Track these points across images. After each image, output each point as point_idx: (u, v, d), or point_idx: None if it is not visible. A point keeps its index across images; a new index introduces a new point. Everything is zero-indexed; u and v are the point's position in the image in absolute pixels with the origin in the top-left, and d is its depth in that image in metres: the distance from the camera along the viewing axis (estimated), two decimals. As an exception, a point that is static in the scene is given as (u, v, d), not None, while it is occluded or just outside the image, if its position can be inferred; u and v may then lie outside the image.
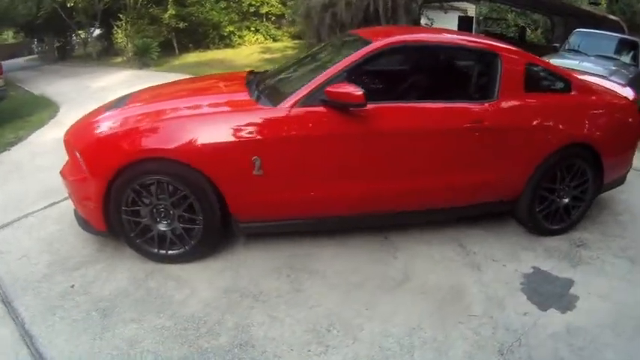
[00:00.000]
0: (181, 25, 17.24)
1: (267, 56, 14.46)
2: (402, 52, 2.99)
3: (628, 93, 3.48)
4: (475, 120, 2.74)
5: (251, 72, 3.50)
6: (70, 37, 20.94)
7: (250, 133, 2.43)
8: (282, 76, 3.06)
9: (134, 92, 3.29)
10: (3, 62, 20.47)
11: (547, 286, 2.63)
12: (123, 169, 2.44)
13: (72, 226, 2.92)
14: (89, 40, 18.94)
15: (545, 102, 2.99)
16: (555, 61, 6.35)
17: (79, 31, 18.71)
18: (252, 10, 18.80)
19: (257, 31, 19.60)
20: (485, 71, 2.95)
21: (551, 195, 3.10)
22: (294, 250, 2.82)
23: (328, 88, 2.40)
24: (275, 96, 2.58)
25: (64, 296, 2.44)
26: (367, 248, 2.87)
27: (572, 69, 5.68)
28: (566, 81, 3.12)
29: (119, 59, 16.76)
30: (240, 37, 19.19)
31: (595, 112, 3.19)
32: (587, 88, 3.23)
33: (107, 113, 2.81)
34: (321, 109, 2.46)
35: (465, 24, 12.29)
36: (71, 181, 2.68)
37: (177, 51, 17.17)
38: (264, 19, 18.97)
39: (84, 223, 2.76)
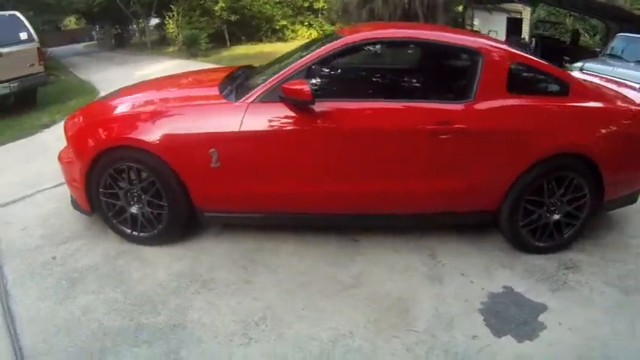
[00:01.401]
0: (233, 17, 17.96)
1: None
2: (372, 48, 2.95)
3: None
4: (442, 121, 2.62)
5: (243, 67, 3.69)
6: (127, 26, 22.35)
7: (209, 126, 2.61)
8: (259, 71, 3.19)
9: (127, 85, 3.61)
10: (63, 47, 22.31)
11: (513, 309, 2.46)
12: (101, 154, 2.76)
13: (69, 205, 3.30)
14: (144, 29, 20.14)
15: (532, 105, 2.79)
16: (588, 66, 6.12)
17: (136, 20, 19.92)
18: (306, 4, 19.21)
19: (310, 25, 20.05)
20: (464, 70, 2.83)
21: (537, 209, 2.89)
22: (258, 244, 2.97)
23: (284, 85, 2.49)
24: (241, 91, 2.74)
25: (44, 265, 2.83)
26: (329, 249, 2.91)
27: (602, 75, 5.41)
28: (562, 83, 2.88)
29: (171, 49, 17.80)
30: (293, 31, 19.73)
31: (596, 119, 2.90)
32: (590, 93, 2.96)
33: (97, 104, 3.15)
34: (278, 105, 2.55)
35: (513, 26, 11.94)
36: (63, 164, 3.05)
37: (228, 42, 17.91)
38: (320, 15, 19.33)
39: (74, 203, 3.12)
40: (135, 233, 2.95)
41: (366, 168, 2.65)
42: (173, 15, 17.44)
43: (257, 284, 2.57)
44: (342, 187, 2.68)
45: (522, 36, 11.52)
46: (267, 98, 2.58)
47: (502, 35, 12.10)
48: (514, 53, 2.86)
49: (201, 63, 12.63)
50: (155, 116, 2.73)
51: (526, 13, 12.85)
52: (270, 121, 2.57)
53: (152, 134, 2.66)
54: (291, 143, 2.60)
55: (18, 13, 6.92)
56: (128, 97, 3.14)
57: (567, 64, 7.30)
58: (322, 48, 2.66)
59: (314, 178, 2.66)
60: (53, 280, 2.67)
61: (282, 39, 19.14)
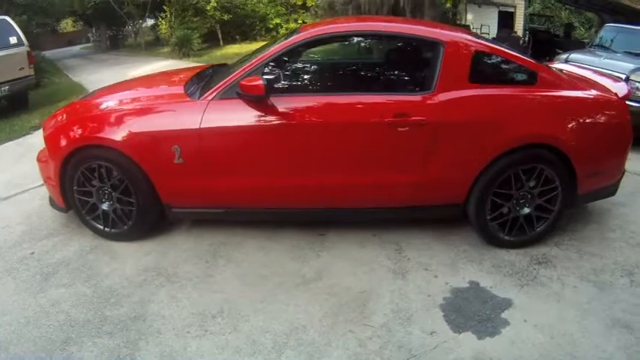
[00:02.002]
0: (226, 17, 18.07)
1: (332, 48, 14.89)
2: (329, 43, 2.97)
3: (620, 89, 3.04)
4: (399, 114, 2.63)
5: (215, 65, 3.79)
6: (122, 28, 22.53)
7: (172, 124, 2.73)
8: (227, 69, 3.26)
9: (103, 87, 3.74)
10: (59, 50, 22.56)
11: (476, 305, 2.44)
12: (72, 153, 2.89)
13: (51, 203, 3.43)
14: (139, 30, 20.30)
15: (495, 95, 2.76)
16: (573, 57, 6.10)
17: (130, 22, 20.09)
18: (299, 2, 19.30)
19: (304, 23, 20.09)
20: (424, 61, 2.83)
21: (505, 202, 2.85)
22: (225, 238, 3.07)
23: (240, 82, 2.57)
24: (203, 89, 2.83)
25: (22, 260, 2.97)
26: (294, 244, 2.99)
27: (587, 66, 5.45)
28: (530, 72, 2.84)
29: (165, 49, 17.92)
30: (287, 29, 19.75)
31: (566, 109, 2.84)
32: (561, 82, 2.89)
33: (73, 105, 3.29)
34: (237, 101, 2.64)
35: (505, 20, 12.01)
36: (41, 163, 3.18)
37: (221, 42, 18.02)
38: (314, 13, 19.40)
39: (51, 201, 3.25)
40: (107, 229, 3.08)
41: (324, 162, 2.71)
42: (166, 16, 17.59)
43: (219, 278, 2.67)
44: (301, 181, 2.75)
45: (514, 29, 11.59)
46: (226, 95, 2.67)
47: (494, 29, 12.17)
48: (477, 43, 2.86)
49: (194, 62, 12.77)
50: (123, 115, 2.86)
51: (520, 7, 12.90)
52: (228, 117, 2.66)
53: (119, 133, 2.78)
54: (249, 139, 2.68)
55: (8, 18, 7.10)
56: (101, 97, 3.27)
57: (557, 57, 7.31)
58: (280, 44, 2.75)
59: (272, 172, 2.74)
60: (29, 275, 2.81)
61: (276, 37, 19.23)
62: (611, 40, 6.79)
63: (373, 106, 2.70)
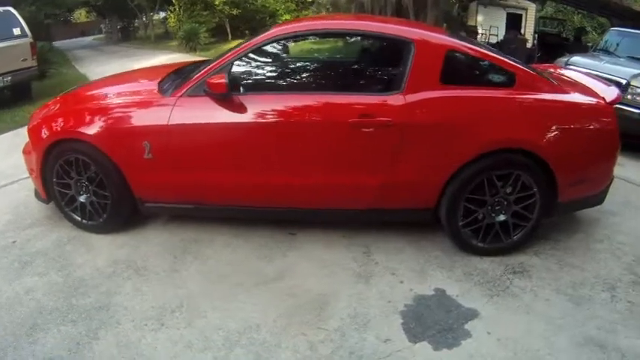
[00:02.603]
0: (235, 11, 18.21)
1: (316, 46, 14.93)
2: (296, 41, 2.96)
3: (609, 93, 2.96)
4: (364, 114, 2.63)
5: (197, 62, 3.87)
6: (133, 20, 22.83)
7: (142, 120, 2.83)
8: (201, 65, 3.32)
9: (86, 82, 3.88)
10: (72, 40, 22.95)
11: (439, 314, 2.40)
12: (52, 146, 3.03)
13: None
14: (149, 23, 20.56)
15: (467, 97, 2.71)
16: (573, 61, 5.81)
17: (140, 14, 20.36)
18: (309, -1, 19.37)
19: (314, 20, 20.16)
20: (394, 60, 2.79)
21: (479, 208, 2.81)
22: (197, 235, 3.17)
23: (207, 79, 2.64)
24: (175, 86, 2.92)
25: (4, 249, 3.13)
26: (262, 243, 3.05)
27: (585, 70, 5.08)
28: (507, 74, 2.77)
29: (173, 43, 18.12)
30: (296, 25, 19.82)
31: (546, 113, 2.76)
32: (542, 85, 2.80)
33: (56, 99, 3.43)
34: (204, 99, 2.71)
35: (513, 22, 11.97)
36: (25, 155, 3.33)
37: (230, 37, 18.18)
38: (317, 10, 19.45)
39: (36, 192, 3.39)
40: (84, 221, 3.21)
41: (288, 161, 2.76)
42: (174, 9, 17.81)
43: (184, 274, 2.77)
44: (265, 179, 2.81)
45: (522, 32, 11.55)
46: (194, 92, 2.76)
47: (503, 31, 12.13)
48: (451, 43, 2.81)
49: (199, 56, 12.93)
50: (98, 110, 2.98)
51: (531, 10, 12.85)
52: (195, 114, 2.75)
53: (94, 127, 2.90)
54: (214, 136, 2.77)
55: (12, 9, 7.30)
56: (81, 92, 3.40)
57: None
58: (247, 43, 2.82)
59: (238, 170, 2.81)
60: (7, 262, 2.96)
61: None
62: (616, 45, 6.73)
63: (339, 105, 2.71)
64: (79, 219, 3.22)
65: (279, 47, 2.85)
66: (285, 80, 2.93)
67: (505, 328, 2.32)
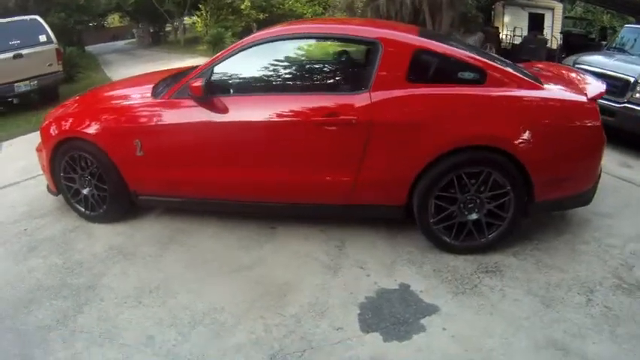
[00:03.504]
0: (262, 16, 18.74)
1: (340, 48, 15.22)
2: (274, 45, 3.09)
3: (593, 88, 2.96)
4: (330, 113, 2.79)
5: (192, 67, 4.20)
6: (164, 24, 23.74)
7: (134, 120, 3.19)
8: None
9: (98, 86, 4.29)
10: (105, 44, 24.06)
11: (398, 307, 2.51)
12: (58, 144, 3.44)
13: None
14: (178, 27, 21.37)
15: (434, 95, 2.79)
16: (582, 60, 5.78)
17: (170, 19, 21.21)
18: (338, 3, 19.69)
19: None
20: (361, 61, 2.95)
21: (450, 206, 2.87)
22: (186, 225, 3.49)
23: (189, 82, 2.94)
24: (166, 89, 3.24)
25: (16, 235, 3.57)
26: (245, 235, 3.31)
27: (591, 68, 5.23)
28: (478, 71, 2.81)
29: (201, 47, 18.79)
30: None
31: (518, 109, 2.79)
32: (515, 81, 2.81)
33: (68, 101, 3.86)
34: (188, 101, 3.01)
35: (535, 22, 11.92)
36: (38, 153, 3.76)
37: (257, 41, 18.64)
38: (332, 14, 19.74)
39: (47, 186, 3.81)
40: (87, 212, 3.61)
41: (262, 158, 3.00)
42: (201, 14, 18.49)
43: (168, 259, 3.08)
44: (242, 175, 3.06)
45: (545, 32, 11.50)
46: (180, 95, 3.06)
47: (526, 32, 12.11)
48: (419, 42, 2.90)
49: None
50: (98, 112, 3.40)
51: (558, 10, 12.77)
52: (178, 115, 3.07)
53: (94, 127, 3.30)
54: (195, 135, 3.07)
55: (38, 17, 7.95)
56: (87, 96, 3.82)
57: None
58: (226, 49, 3.13)
59: (217, 166, 3.09)
60: (18, 247, 3.39)
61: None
62: (632, 42, 6.60)
63: (308, 105, 2.88)
64: (83, 210, 3.62)
65: (257, 52, 3.06)
66: (260, 82, 3.16)
67: (463, 326, 2.37)
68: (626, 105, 5.02)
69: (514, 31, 12.50)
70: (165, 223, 3.57)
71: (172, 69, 4.59)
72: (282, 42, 3.08)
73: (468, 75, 2.85)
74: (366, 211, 3.11)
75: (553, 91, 2.91)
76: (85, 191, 3.55)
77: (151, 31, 25.14)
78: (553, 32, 12.13)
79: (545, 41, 10.61)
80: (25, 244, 3.43)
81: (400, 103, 2.78)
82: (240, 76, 3.14)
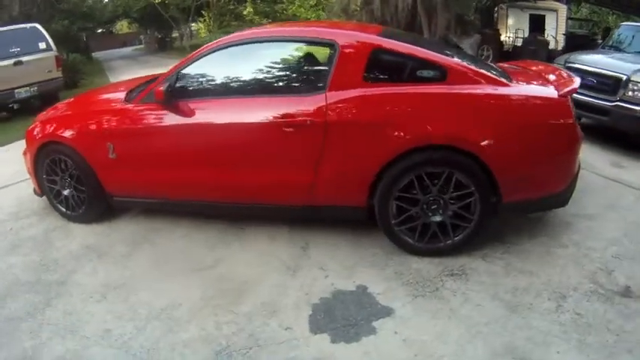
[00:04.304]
0: (265, 21, 19.03)
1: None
2: (236, 49, 3.20)
3: (565, 85, 2.87)
4: (286, 114, 2.87)
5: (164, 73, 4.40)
6: (170, 30, 24.22)
7: (107, 124, 3.40)
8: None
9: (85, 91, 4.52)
10: (114, 50, 24.73)
11: (351, 309, 2.53)
12: (40, 147, 3.67)
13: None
14: (183, 33, 21.79)
15: (390, 94, 2.80)
16: (573, 58, 5.81)
17: (175, 25, 21.65)
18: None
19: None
20: (319, 62, 3.02)
21: (412, 207, 2.88)
22: (160, 225, 3.68)
23: (154, 87, 3.13)
24: (138, 93, 3.43)
25: (2, 234, 3.84)
26: (214, 234, 3.45)
27: (580, 67, 5.31)
28: (438, 69, 2.82)
29: (206, 52, 19.04)
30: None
31: (480, 107, 2.76)
32: (478, 78, 2.78)
33: (59, 104, 4.08)
34: (154, 105, 3.18)
35: (536, 24, 11.97)
36: (24, 156, 3.99)
37: (260, 46, 18.93)
38: (337, 16, 19.93)
39: (34, 189, 4.02)
40: (68, 212, 3.82)
41: (224, 159, 3.14)
42: (204, 20, 18.85)
43: (137, 258, 3.27)
44: (205, 176, 3.20)
45: (547, 33, 11.57)
46: (148, 100, 3.25)
47: (527, 33, 12.17)
48: (377, 41, 2.94)
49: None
50: (76, 116, 3.65)
51: (562, 12, 12.84)
52: (146, 119, 3.27)
53: (71, 131, 3.53)
54: (161, 138, 3.26)
55: (38, 25, 8.29)
56: (73, 100, 4.03)
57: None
58: (191, 54, 3.30)
59: (181, 168, 3.25)
60: (2, 245, 3.64)
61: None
62: (628, 40, 6.53)
63: (265, 107, 2.99)
64: (64, 210, 3.85)
65: (220, 56, 3.20)
66: (222, 86, 3.27)
67: (416, 330, 2.36)
68: (618, 103, 5.01)
69: (516, 32, 12.56)
70: (141, 222, 3.77)
71: (153, 74, 4.77)
72: (243, 46, 3.21)
73: (427, 73, 2.86)
74: (327, 213, 3.18)
75: (520, 87, 2.86)
76: (65, 192, 3.77)
77: (158, 37, 25.66)
78: (557, 34, 12.19)
79: (546, 42, 10.66)
80: (9, 242, 3.67)
81: (355, 103, 2.82)
82: (203, 81, 3.29)
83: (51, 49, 8.38)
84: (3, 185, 4.93)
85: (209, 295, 2.77)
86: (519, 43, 12.17)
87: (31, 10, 11.80)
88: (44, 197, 4.00)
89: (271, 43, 3.25)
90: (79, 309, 2.75)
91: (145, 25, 27.64)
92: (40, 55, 8.20)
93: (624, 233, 3.25)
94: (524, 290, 2.63)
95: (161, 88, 3.04)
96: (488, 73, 2.88)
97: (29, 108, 8.49)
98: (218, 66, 3.23)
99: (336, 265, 2.98)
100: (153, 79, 3.73)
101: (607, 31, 11.43)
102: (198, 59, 3.20)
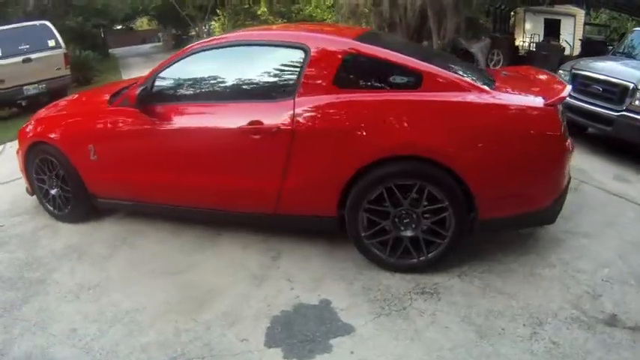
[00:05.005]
0: (280, 21, 19.12)
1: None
2: (209, 54, 3.25)
3: (553, 93, 2.74)
4: (254, 121, 2.87)
5: None
6: (186, 28, 24.53)
7: (88, 127, 3.55)
8: None
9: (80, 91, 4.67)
10: (132, 47, 25.20)
11: (311, 324, 2.51)
12: (30, 148, 3.82)
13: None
14: (200, 32, 22.04)
15: (362, 100, 2.74)
16: (581, 64, 5.67)
17: (192, 23, 21.92)
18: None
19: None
20: (290, 66, 2.95)
21: (382, 220, 2.81)
22: (141, 227, 3.81)
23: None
24: (119, 97, 3.54)
25: None
26: (190, 240, 3.54)
27: (586, 73, 5.22)
28: (413, 75, 2.73)
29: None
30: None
31: (455, 115, 2.66)
32: (457, 85, 2.68)
33: (49, 105, 4.24)
34: (130, 108, 3.27)
35: (551, 28, 11.83)
36: (17, 155, 4.14)
37: (275, 45, 19.07)
38: (337, 20, 19.90)
39: (26, 187, 4.17)
40: (55, 211, 3.99)
41: (195, 165, 3.20)
42: (219, 18, 19.06)
43: (114, 259, 3.40)
44: (176, 180, 3.28)
45: (562, 38, 11.42)
46: (125, 103, 3.35)
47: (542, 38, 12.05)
48: (348, 45, 2.89)
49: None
50: (62, 118, 3.83)
51: (580, 17, 12.67)
52: (122, 122, 3.39)
53: (57, 133, 3.71)
54: (136, 141, 3.37)
55: (48, 23, 8.54)
56: (60, 103, 4.18)
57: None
58: (167, 58, 3.42)
59: (154, 171, 3.35)
60: None
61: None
62: (635, 46, 6.35)
63: (234, 113, 3.02)
64: (52, 209, 4.01)
65: (194, 61, 3.28)
66: (195, 91, 3.34)
67: (374, 351, 2.30)
68: (624, 113, 4.79)
69: (531, 37, 12.41)
70: (124, 224, 3.92)
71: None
72: (216, 51, 3.26)
73: (401, 79, 2.79)
74: (298, 222, 3.18)
75: (502, 95, 2.70)
76: (53, 192, 3.94)
77: (176, 34, 26.02)
78: (574, 39, 12.02)
79: (559, 48, 10.51)
80: None
81: (323, 110, 2.77)
82: (176, 85, 3.36)
83: (60, 47, 8.65)
84: (3, 182, 5.17)
85: (174, 301, 2.86)
86: (534, 48, 12.01)
87: (46, 5, 12.12)
88: (31, 196, 4.19)
89: (243, 47, 3.28)
90: (53, 307, 2.90)
91: (163, 23, 28.06)
92: (49, 53, 8.48)
93: (619, 254, 3.08)
94: (499, 314, 2.52)
95: (135, 92, 3.15)
96: (469, 80, 2.77)
97: (38, 104, 8.76)
98: (191, 71, 3.32)
99: (304, 277, 2.98)
100: (134, 83, 3.86)
101: (622, 37, 11.23)
102: (173, 64, 3.31)
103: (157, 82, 3.33)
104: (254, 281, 3.00)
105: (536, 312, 2.53)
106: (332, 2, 19.94)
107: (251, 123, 2.92)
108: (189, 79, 3.34)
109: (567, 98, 5.45)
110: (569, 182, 3.04)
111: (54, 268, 3.34)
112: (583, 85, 5.36)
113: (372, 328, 2.47)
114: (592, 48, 9.99)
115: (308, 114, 2.80)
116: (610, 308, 2.58)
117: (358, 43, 2.95)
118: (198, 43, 3.41)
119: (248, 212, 3.25)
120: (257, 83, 3.14)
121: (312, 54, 2.86)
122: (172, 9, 21.33)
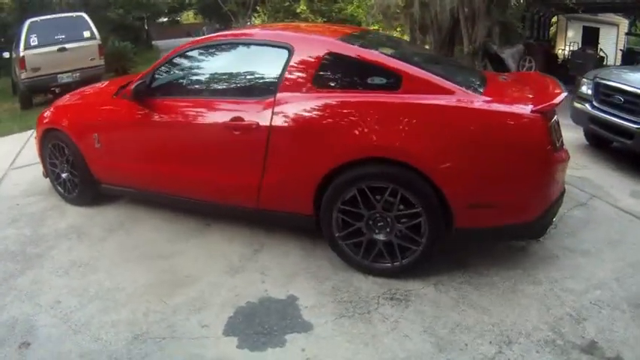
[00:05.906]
0: (320, 20, 19.31)
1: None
2: (201, 51, 3.48)
3: (544, 100, 2.64)
4: (235, 118, 3.03)
5: None
6: (229, 23, 25.13)
7: (95, 116, 3.87)
8: None
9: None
10: (177, 40, 25.89)
11: (272, 318, 2.61)
12: (44, 133, 4.18)
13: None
14: (242, 26, 22.57)
15: (338, 101, 2.79)
16: (604, 73, 5.49)
17: (233, 19, 22.47)
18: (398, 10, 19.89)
19: (403, 31, 20.60)
20: (273, 65, 3.04)
21: (356, 222, 2.85)
22: (139, 214, 4.08)
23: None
24: (124, 89, 3.81)
25: (9, 208, 4.48)
26: (180, 227, 3.76)
27: (609, 83, 5.06)
28: (392, 77, 2.74)
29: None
30: (384, 36, 20.41)
31: (431, 119, 2.63)
32: (436, 87, 2.66)
33: (71, 93, 4.63)
34: (129, 101, 3.53)
35: (590, 36, 11.52)
36: (35, 140, 4.50)
37: (314, 43, 19.30)
38: (368, 23, 19.82)
39: (43, 170, 4.54)
40: (65, 194, 4.34)
41: (183, 157, 3.41)
42: (259, 15, 19.43)
43: (109, 242, 3.68)
44: (167, 171, 3.50)
45: (600, 47, 11.12)
46: (126, 95, 3.60)
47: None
48: (330, 45, 2.95)
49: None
50: (74, 106, 4.18)
51: (623, 26, 12.34)
52: (122, 114, 3.66)
53: (67, 121, 4.03)
54: (131, 132, 3.63)
55: (84, 15, 9.09)
56: (73, 94, 4.52)
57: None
58: (166, 55, 3.67)
59: (148, 161, 3.60)
60: (5, 218, 4.25)
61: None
62: None
63: (221, 109, 3.20)
64: (62, 191, 4.34)
65: (190, 58, 3.53)
66: (188, 86, 3.55)
67: (325, 351, 2.35)
68: None
69: (570, 45, 12.14)
70: (125, 210, 4.23)
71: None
72: (207, 49, 3.50)
73: (380, 80, 2.81)
74: (280, 218, 3.29)
75: (486, 100, 2.66)
76: (63, 175, 4.29)
77: (217, 28, 26.73)
78: (617, 48, 11.70)
79: (595, 57, 10.24)
80: (12, 216, 4.28)
81: (300, 109, 2.86)
82: (171, 81, 3.61)
83: (95, 38, 9.20)
84: (27, 164, 5.67)
85: (151, 284, 3.08)
86: (570, 56, 11.79)
87: (88, -3, 12.84)
88: (45, 178, 4.57)
89: (231, 46, 3.47)
90: (44, 280, 3.21)
91: (208, 17, 28.82)
92: (83, 43, 9.04)
93: (617, 276, 2.92)
94: (467, 328, 2.45)
95: (131, 86, 3.42)
96: (451, 83, 2.73)
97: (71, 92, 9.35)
98: (185, 67, 3.58)
99: (278, 272, 3.09)
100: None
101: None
102: (170, 60, 3.57)
103: (155, 77, 3.58)
104: (230, 272, 3.16)
105: (507, 330, 2.44)
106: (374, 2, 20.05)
107: (233, 119, 3.09)
108: (182, 76, 3.60)
109: (590, 109, 5.31)
110: (562, 195, 2.95)
111: (53, 245, 3.67)
112: (605, 95, 5.13)
113: (330, 328, 2.52)
114: (633, 58, 9.70)
115: (285, 112, 2.91)
116: (592, 334, 2.43)
117: (339, 43, 3.02)
118: (191, 41, 3.66)
119: (235, 205, 3.42)
120: (242, 81, 3.32)
121: (294, 53, 2.97)
122: (215, 3, 21.97)
